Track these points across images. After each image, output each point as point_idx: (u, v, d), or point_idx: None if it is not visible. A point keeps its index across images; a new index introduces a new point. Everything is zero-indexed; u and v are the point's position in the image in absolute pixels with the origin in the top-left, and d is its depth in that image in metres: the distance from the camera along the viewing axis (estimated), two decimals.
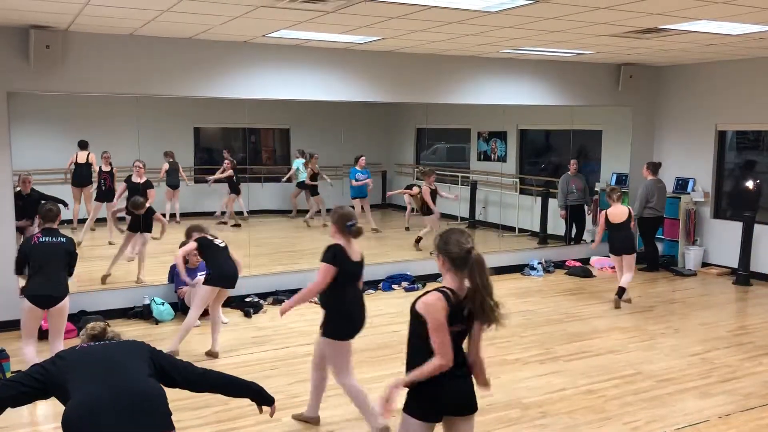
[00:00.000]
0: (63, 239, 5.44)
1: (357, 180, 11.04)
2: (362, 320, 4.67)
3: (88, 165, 9.07)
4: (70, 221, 8.79)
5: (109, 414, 2.67)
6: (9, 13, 6.17)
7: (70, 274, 5.56)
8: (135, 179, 8.54)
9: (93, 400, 2.70)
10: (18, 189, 7.47)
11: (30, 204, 7.45)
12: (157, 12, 6.10)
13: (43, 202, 5.81)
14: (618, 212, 8.18)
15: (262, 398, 3.33)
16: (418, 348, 3.22)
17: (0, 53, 6.83)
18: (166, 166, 9.83)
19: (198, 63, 7.77)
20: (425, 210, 10.29)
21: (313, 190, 11.28)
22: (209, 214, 10.99)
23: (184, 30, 7.13)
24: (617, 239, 8.20)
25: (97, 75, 7.28)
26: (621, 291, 8.15)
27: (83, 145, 9.01)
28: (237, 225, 10.48)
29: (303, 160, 11.24)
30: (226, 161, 10.74)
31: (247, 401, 3.37)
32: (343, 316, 4.58)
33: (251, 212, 10.91)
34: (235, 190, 10.71)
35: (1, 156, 6.96)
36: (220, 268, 6.15)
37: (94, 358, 2.92)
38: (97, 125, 9.38)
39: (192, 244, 6.16)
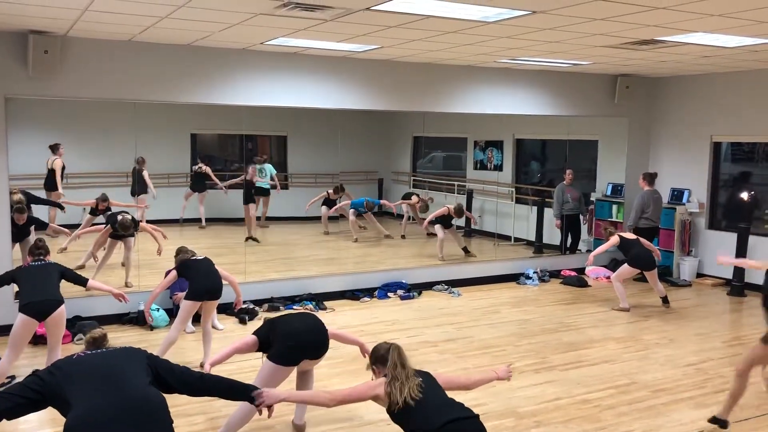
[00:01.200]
0: (51, 261, 5.73)
1: (358, 211, 11.10)
2: (306, 352, 4.54)
3: (51, 170, 8.79)
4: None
5: (113, 426, 2.65)
6: (8, 18, 6.18)
7: (83, 283, 5.75)
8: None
9: (96, 412, 2.68)
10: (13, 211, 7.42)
11: (24, 232, 7.49)
12: (156, 18, 6.12)
13: (34, 242, 5.94)
14: (628, 233, 8.64)
15: (251, 397, 3.31)
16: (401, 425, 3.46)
17: None
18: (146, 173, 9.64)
19: (196, 69, 7.78)
20: (437, 219, 10.41)
21: (331, 204, 11.29)
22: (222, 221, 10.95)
23: (182, 36, 7.15)
24: (643, 254, 8.40)
25: (96, 80, 7.29)
26: (665, 299, 8.54)
27: (55, 149, 8.81)
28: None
29: (266, 166, 11.05)
30: (201, 165, 10.52)
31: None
32: (282, 340, 4.51)
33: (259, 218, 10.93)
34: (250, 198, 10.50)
35: None
36: (198, 282, 6.12)
37: (94, 368, 2.89)
38: (95, 131, 9.38)
39: (172, 276, 6.16)
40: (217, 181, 10.62)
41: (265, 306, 8.16)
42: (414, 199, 11.61)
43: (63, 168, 8.82)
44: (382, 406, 3.54)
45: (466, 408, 3.43)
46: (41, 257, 5.67)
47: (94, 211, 8.89)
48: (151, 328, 7.31)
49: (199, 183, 10.59)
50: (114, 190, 9.09)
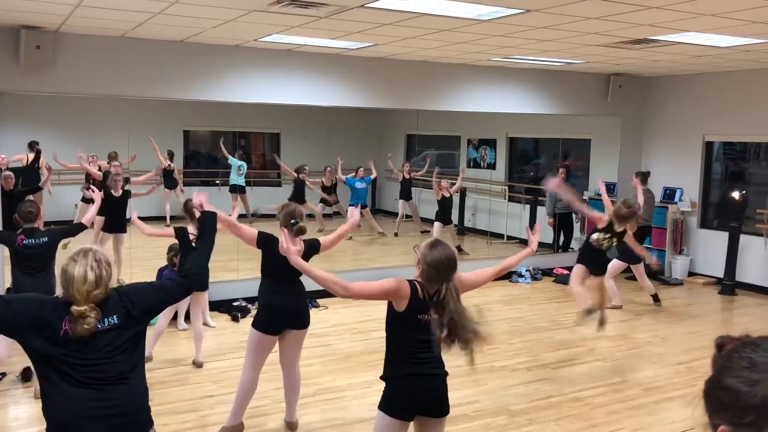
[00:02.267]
0: (45, 238, 5.46)
1: (358, 195, 11.02)
2: (286, 318, 4.62)
3: (36, 168, 8.70)
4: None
5: (93, 423, 2.65)
6: (0, 13, 6.14)
7: (82, 227, 5.67)
8: (114, 193, 8.17)
9: (74, 407, 2.64)
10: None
11: (15, 200, 7.40)
12: (149, 14, 6.09)
13: (23, 202, 5.81)
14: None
15: (206, 221, 3.25)
16: (388, 338, 3.36)
17: None
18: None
19: (189, 66, 7.75)
20: (437, 216, 10.42)
21: (328, 193, 11.20)
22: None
23: (176, 33, 7.12)
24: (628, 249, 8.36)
25: (88, 76, 7.26)
26: (656, 298, 8.57)
27: (32, 147, 8.68)
28: None
29: (242, 162, 10.93)
30: (170, 163, 10.26)
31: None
32: (264, 307, 4.70)
33: (240, 217, 10.87)
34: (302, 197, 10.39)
35: None
36: None
37: (84, 355, 2.71)
38: (87, 127, 9.33)
39: (168, 231, 6.06)
40: (179, 179, 10.42)
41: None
42: (406, 167, 11.62)
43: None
44: (395, 307, 3.26)
45: (439, 361, 3.33)
46: (32, 224, 5.41)
47: (88, 201, 8.82)
48: None
49: (169, 180, 10.48)
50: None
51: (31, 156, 8.70)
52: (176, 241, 6.66)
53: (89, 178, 8.78)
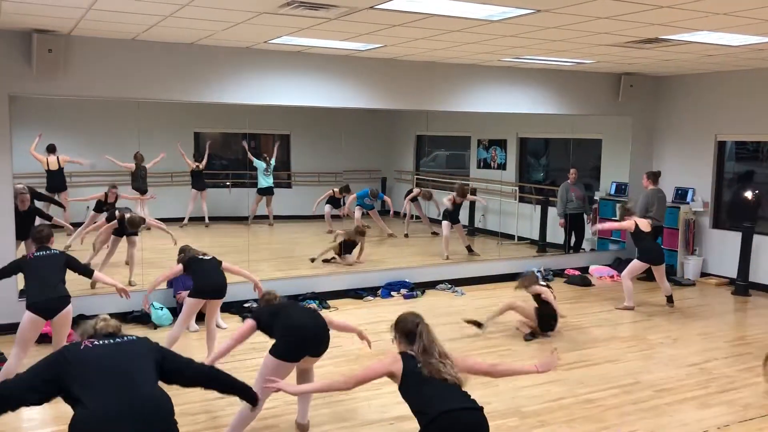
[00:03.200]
0: (56, 251, 5.64)
1: (364, 204, 11.10)
2: (308, 345, 4.53)
3: (60, 169, 8.86)
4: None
5: (124, 426, 2.70)
6: (12, 17, 6.19)
7: (89, 274, 5.77)
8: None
9: (107, 414, 2.71)
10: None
11: (29, 220, 7.45)
12: (159, 17, 6.12)
13: (35, 225, 5.91)
14: (645, 222, 8.47)
15: (247, 396, 3.51)
16: (411, 405, 3.48)
17: (2, 56, 6.85)
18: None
19: (200, 68, 7.78)
20: (444, 215, 10.43)
21: (335, 203, 11.30)
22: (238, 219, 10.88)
23: (186, 35, 7.15)
24: (653, 248, 8.44)
25: (99, 79, 7.30)
26: (669, 299, 8.51)
27: (52, 149, 8.78)
28: None
29: (264, 164, 11.04)
30: (197, 164, 10.46)
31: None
32: (286, 333, 4.53)
33: (260, 217, 10.94)
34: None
35: (2, 159, 6.96)
36: (203, 279, 6.08)
37: (105, 363, 2.90)
38: (98, 130, 9.38)
39: (178, 268, 6.18)
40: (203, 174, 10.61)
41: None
42: (416, 191, 11.62)
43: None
44: (394, 383, 3.54)
45: (468, 398, 3.41)
46: (44, 244, 5.58)
47: (99, 208, 8.88)
48: (155, 326, 7.33)
49: (198, 181, 10.58)
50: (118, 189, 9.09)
51: (52, 159, 8.79)
52: (187, 243, 6.72)
53: (102, 205, 8.86)
